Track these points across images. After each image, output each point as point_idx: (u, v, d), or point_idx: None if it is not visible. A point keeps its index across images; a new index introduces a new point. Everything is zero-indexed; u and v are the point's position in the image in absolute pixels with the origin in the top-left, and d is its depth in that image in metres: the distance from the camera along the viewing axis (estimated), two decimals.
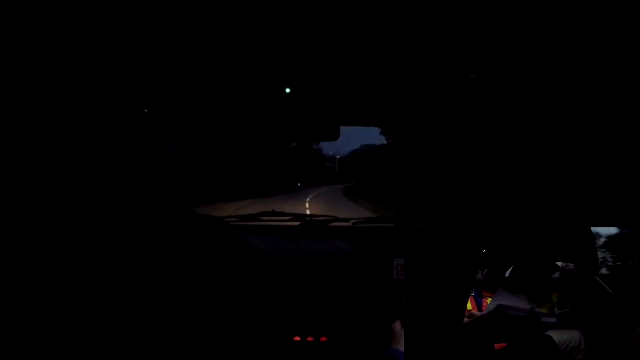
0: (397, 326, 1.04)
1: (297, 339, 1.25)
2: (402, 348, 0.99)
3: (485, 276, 1.35)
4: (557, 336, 1.27)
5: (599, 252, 1.27)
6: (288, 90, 1.42)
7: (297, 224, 1.62)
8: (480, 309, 1.36)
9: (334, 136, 1.56)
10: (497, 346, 1.30)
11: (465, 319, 1.28)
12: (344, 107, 1.56)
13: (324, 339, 1.26)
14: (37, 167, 0.73)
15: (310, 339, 1.25)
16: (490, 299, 1.36)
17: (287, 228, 1.64)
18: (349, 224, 1.63)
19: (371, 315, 1.21)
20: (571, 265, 1.29)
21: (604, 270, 1.25)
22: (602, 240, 1.27)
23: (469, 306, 1.34)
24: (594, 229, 1.25)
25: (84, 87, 0.96)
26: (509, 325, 1.20)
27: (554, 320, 1.19)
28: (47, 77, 0.87)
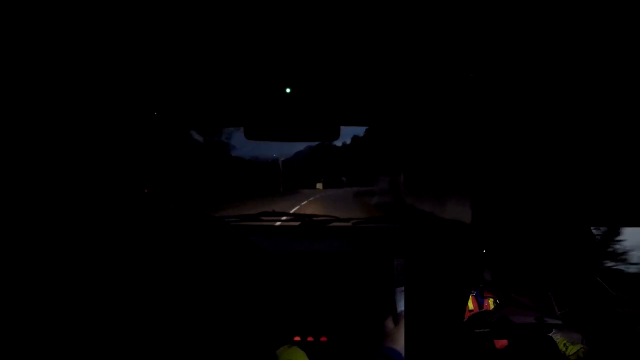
0: (390, 324, 1.04)
1: (297, 339, 1.25)
2: (396, 347, 0.99)
3: (492, 276, 1.35)
4: (558, 337, 1.27)
5: (599, 252, 1.27)
6: (288, 90, 1.42)
7: (297, 223, 1.63)
8: (481, 309, 1.36)
9: (334, 136, 1.57)
10: (497, 345, 1.30)
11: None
12: (344, 107, 1.56)
13: (324, 339, 1.26)
14: (41, 170, 0.73)
15: (310, 339, 1.26)
16: (491, 299, 1.36)
17: (287, 228, 1.65)
18: (349, 223, 1.63)
19: (371, 316, 1.21)
20: (571, 265, 1.29)
21: (603, 270, 1.25)
22: (603, 239, 1.26)
23: (470, 306, 1.34)
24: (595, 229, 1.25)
25: (86, 90, 0.96)
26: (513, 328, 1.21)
27: (559, 322, 1.20)
28: (49, 78, 0.87)
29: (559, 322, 1.20)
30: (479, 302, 1.37)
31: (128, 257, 0.66)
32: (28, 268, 0.63)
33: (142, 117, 1.31)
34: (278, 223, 1.68)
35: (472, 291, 1.35)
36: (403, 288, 1.09)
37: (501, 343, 1.31)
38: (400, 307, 1.07)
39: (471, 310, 1.34)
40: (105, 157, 0.86)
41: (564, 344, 1.23)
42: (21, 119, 0.76)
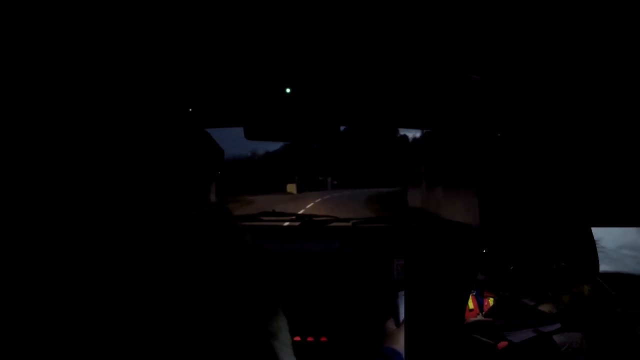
0: (391, 325, 1.04)
1: (297, 338, 1.25)
2: (396, 347, 0.99)
3: (485, 275, 1.35)
4: (558, 337, 1.27)
5: (599, 252, 1.27)
6: (288, 90, 1.42)
7: (297, 223, 1.63)
8: (481, 309, 1.36)
9: (335, 136, 1.57)
10: (497, 345, 1.30)
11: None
12: (344, 107, 1.56)
13: (324, 339, 1.26)
14: (38, 168, 0.73)
15: (310, 339, 1.26)
16: (491, 299, 1.36)
17: (287, 228, 1.65)
18: (349, 224, 1.63)
19: (371, 316, 1.21)
20: (571, 265, 1.29)
21: (603, 270, 1.25)
22: (602, 240, 1.26)
23: (470, 305, 1.34)
24: (594, 229, 1.25)
25: (84, 87, 0.96)
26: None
27: (557, 325, 1.20)
28: (48, 77, 0.87)
29: (558, 325, 1.20)
30: (479, 302, 1.37)
31: (131, 256, 0.66)
32: (30, 266, 0.63)
33: (141, 115, 1.31)
34: (286, 224, 1.68)
35: (472, 291, 1.35)
36: (404, 292, 1.09)
37: (501, 343, 1.31)
38: (402, 311, 1.07)
39: (471, 310, 1.34)
40: (106, 157, 0.86)
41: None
42: (29, 118, 0.77)
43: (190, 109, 1.48)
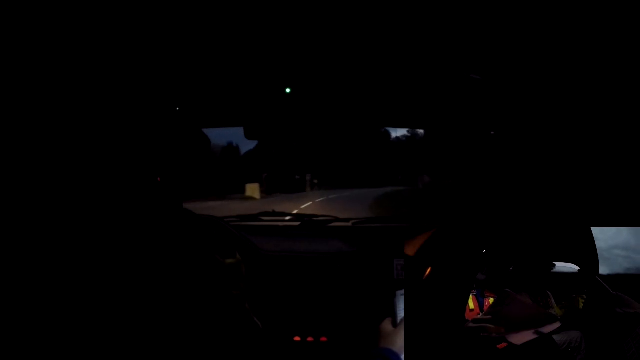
0: (387, 325, 1.04)
1: (297, 339, 1.25)
2: (394, 347, 0.99)
3: (486, 275, 1.35)
4: (557, 336, 1.27)
5: (599, 252, 1.26)
6: (288, 90, 1.42)
7: (297, 223, 1.63)
8: (481, 309, 1.36)
9: (334, 136, 1.57)
10: (497, 345, 1.30)
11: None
12: (343, 107, 1.56)
13: (324, 339, 1.26)
14: (37, 166, 0.73)
15: (310, 339, 1.26)
16: (492, 299, 1.36)
17: (287, 228, 1.65)
18: (349, 224, 1.63)
19: (371, 316, 1.21)
20: (571, 265, 1.29)
21: (603, 271, 1.25)
22: (596, 240, 1.26)
23: (471, 305, 1.34)
24: (594, 229, 1.25)
25: (84, 86, 0.96)
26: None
27: (557, 325, 1.20)
28: (47, 77, 0.87)
29: (558, 324, 1.20)
30: (480, 302, 1.37)
31: (131, 255, 0.66)
32: (31, 263, 0.63)
33: (142, 115, 1.31)
34: (287, 223, 1.68)
35: (473, 291, 1.35)
36: (403, 291, 1.09)
37: (501, 344, 1.31)
38: (399, 311, 1.07)
39: (472, 310, 1.34)
40: (107, 155, 0.86)
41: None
42: (32, 115, 0.77)
43: (178, 108, 1.48)
